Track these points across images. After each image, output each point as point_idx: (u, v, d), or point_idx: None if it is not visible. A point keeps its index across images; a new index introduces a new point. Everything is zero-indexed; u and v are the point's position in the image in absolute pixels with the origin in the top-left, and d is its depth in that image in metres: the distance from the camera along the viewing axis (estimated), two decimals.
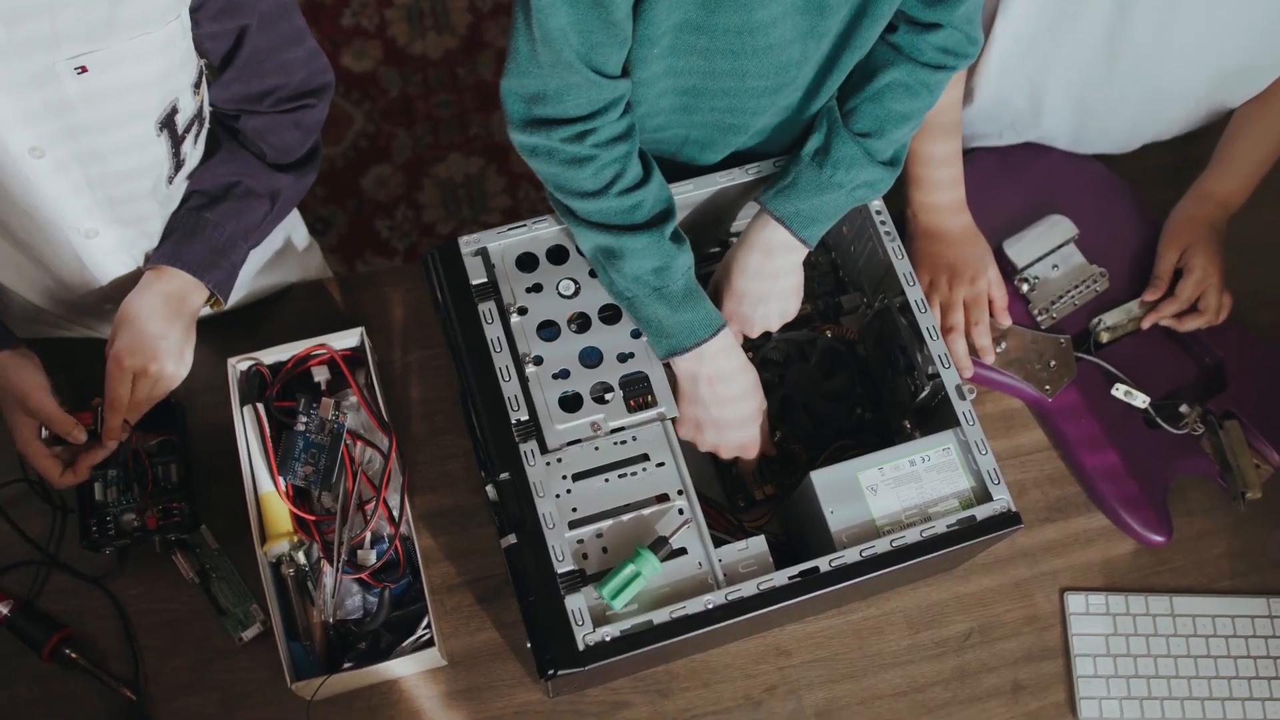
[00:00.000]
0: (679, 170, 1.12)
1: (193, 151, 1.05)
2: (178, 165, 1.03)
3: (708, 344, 1.03)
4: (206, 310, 1.09)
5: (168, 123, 0.97)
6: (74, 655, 1.09)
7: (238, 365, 1.12)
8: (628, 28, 0.90)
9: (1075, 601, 1.19)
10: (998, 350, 1.24)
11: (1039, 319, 1.27)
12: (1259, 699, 1.17)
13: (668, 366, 1.06)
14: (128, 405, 1.03)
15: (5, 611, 1.09)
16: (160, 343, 1.03)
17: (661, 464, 1.02)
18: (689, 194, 1.10)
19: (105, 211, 1.01)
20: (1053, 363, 1.24)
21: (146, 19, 0.87)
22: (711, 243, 1.22)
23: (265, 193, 1.08)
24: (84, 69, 0.86)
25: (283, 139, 1.07)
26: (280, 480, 1.07)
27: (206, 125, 1.05)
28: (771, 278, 1.08)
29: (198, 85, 0.99)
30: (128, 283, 1.07)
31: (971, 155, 1.34)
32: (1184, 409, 1.21)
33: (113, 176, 0.98)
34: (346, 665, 1.05)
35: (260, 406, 1.09)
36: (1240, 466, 1.18)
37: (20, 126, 0.88)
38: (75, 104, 0.89)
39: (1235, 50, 1.18)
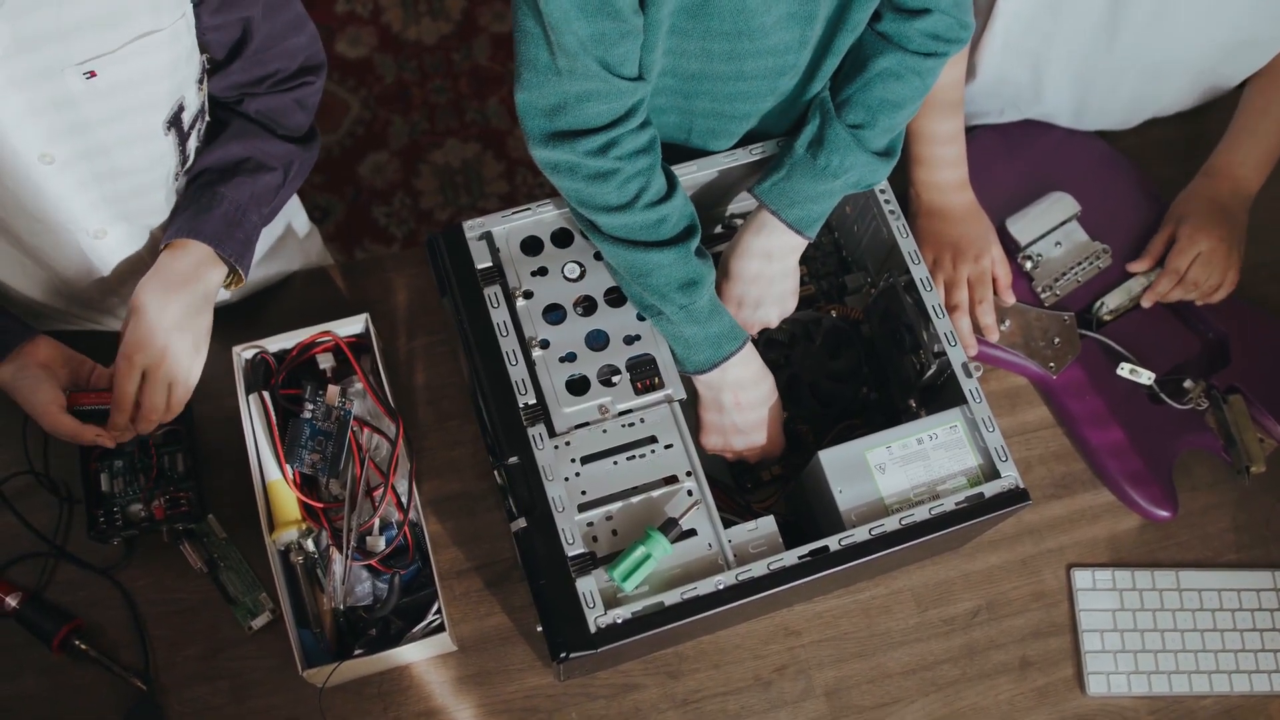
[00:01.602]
0: (688, 157, 1.11)
1: (196, 146, 1.04)
2: (184, 161, 1.02)
3: (735, 356, 1.04)
4: (225, 294, 1.07)
5: (175, 121, 0.96)
6: (83, 646, 1.09)
7: (242, 354, 1.11)
8: (635, 20, 0.89)
9: (1082, 577, 1.20)
10: (1002, 328, 1.24)
11: (1042, 296, 1.27)
12: (1265, 671, 1.17)
13: (685, 376, 1.06)
14: (141, 410, 1.00)
15: (14, 603, 1.09)
16: (173, 335, 1.00)
17: (670, 446, 1.02)
18: (693, 174, 1.10)
19: (113, 208, 1.00)
20: (1057, 340, 1.24)
21: (155, 8, 0.87)
22: (714, 224, 1.22)
23: (277, 165, 1.07)
24: (93, 73, 0.86)
25: (289, 120, 1.07)
26: (287, 468, 1.07)
27: (207, 118, 1.05)
28: (779, 259, 1.08)
29: (201, 81, 0.98)
30: (133, 275, 1.07)
31: (973, 133, 1.34)
32: (1188, 384, 1.21)
33: (120, 173, 0.97)
34: (357, 652, 1.05)
35: (266, 394, 1.09)
36: (1244, 441, 1.19)
37: (29, 127, 0.87)
38: (82, 102, 0.88)
39: (1234, 25, 1.17)
